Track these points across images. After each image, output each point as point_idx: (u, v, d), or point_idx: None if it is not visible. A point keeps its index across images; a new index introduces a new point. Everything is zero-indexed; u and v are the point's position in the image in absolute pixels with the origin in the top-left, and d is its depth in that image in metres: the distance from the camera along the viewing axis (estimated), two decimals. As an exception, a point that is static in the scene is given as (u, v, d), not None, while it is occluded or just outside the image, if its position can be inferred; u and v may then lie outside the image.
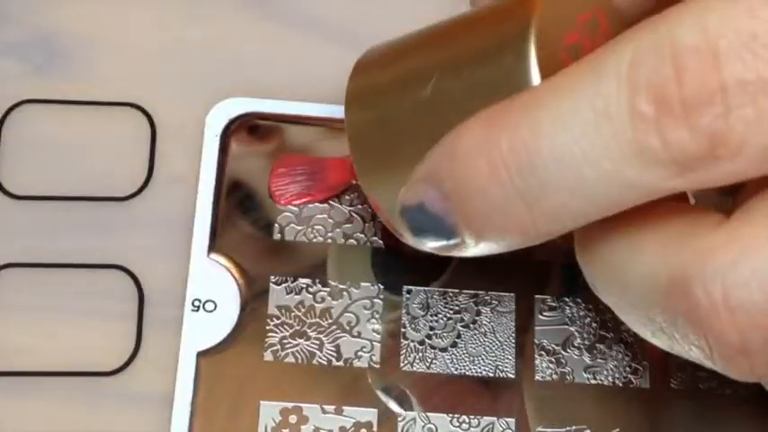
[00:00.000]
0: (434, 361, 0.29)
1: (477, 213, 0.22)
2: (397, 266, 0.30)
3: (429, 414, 0.28)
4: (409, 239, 0.24)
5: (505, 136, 0.21)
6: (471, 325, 0.29)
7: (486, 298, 0.30)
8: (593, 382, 0.29)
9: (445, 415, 0.29)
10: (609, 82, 0.20)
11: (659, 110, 0.20)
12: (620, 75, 0.20)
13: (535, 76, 0.22)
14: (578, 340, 0.29)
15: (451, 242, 0.23)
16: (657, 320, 0.22)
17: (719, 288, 0.20)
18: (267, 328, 0.29)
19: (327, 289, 0.30)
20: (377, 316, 0.29)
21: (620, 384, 0.29)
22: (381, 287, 0.30)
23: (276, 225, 0.30)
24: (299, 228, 0.30)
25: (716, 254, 0.20)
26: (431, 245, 0.24)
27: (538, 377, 0.29)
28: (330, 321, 0.29)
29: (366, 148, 0.26)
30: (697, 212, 0.22)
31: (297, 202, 0.30)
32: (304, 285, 0.30)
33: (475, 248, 0.23)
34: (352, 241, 0.30)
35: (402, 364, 0.29)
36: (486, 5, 0.25)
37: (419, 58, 0.25)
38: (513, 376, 0.29)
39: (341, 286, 0.30)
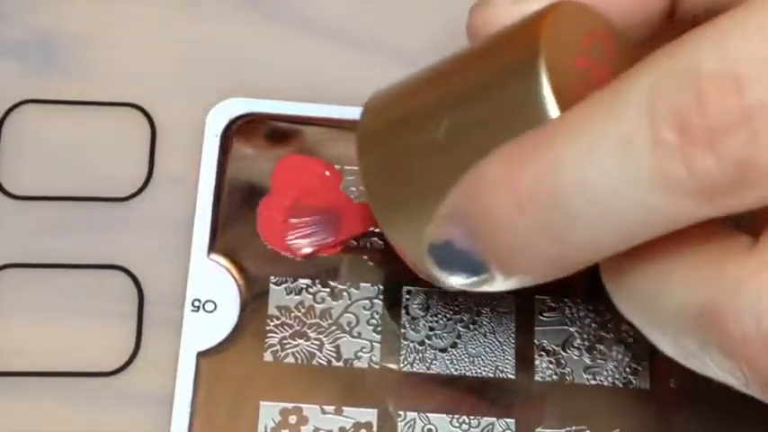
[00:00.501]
0: (434, 361, 0.29)
1: (504, 250, 0.21)
2: (397, 266, 0.30)
3: (429, 414, 0.28)
4: (438, 280, 0.24)
5: (527, 171, 0.21)
6: (471, 325, 0.29)
7: (486, 298, 0.30)
8: (593, 382, 0.29)
9: (445, 415, 0.29)
10: (630, 111, 0.20)
11: (683, 138, 0.19)
12: (641, 104, 0.20)
13: (551, 108, 0.22)
14: (578, 341, 0.29)
15: (481, 278, 0.22)
16: (689, 348, 0.21)
17: (752, 319, 0.20)
18: (267, 328, 0.29)
19: (327, 289, 0.30)
20: (377, 316, 0.29)
21: (620, 385, 0.29)
22: (381, 287, 0.30)
23: (276, 225, 0.30)
24: (299, 228, 0.30)
25: (747, 283, 0.20)
26: (460, 282, 0.23)
27: (538, 378, 0.29)
28: (330, 322, 0.29)
29: (384, 193, 0.25)
30: (725, 236, 0.21)
31: (310, 251, 0.30)
32: (304, 286, 0.30)
33: (505, 283, 0.22)
34: (352, 242, 0.30)
35: (402, 365, 0.29)
36: (492, 36, 0.24)
37: (429, 97, 0.25)
38: (513, 377, 0.29)
39: (341, 287, 0.30)
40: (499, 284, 0.23)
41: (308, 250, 0.30)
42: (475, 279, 0.23)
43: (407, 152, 0.25)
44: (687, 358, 0.22)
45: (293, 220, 0.30)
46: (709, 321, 0.20)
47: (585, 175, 0.20)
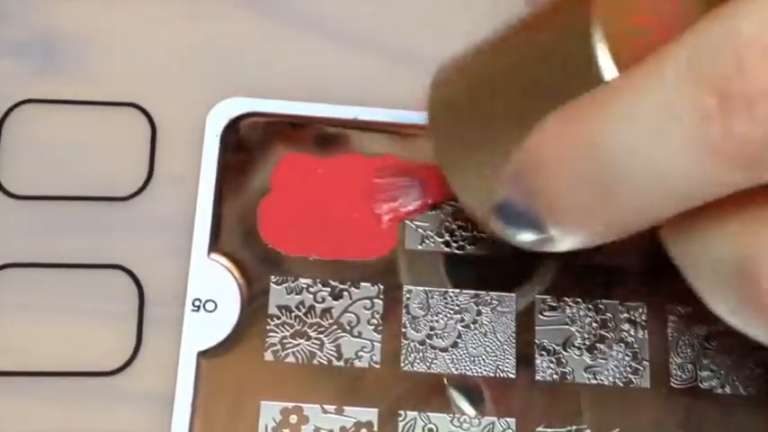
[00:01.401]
0: (435, 361, 0.29)
1: (558, 209, 0.22)
2: (398, 266, 0.30)
3: (429, 414, 0.28)
4: (509, 237, 0.24)
5: (578, 134, 0.21)
6: (472, 325, 0.29)
7: (487, 298, 0.30)
8: (593, 382, 0.29)
9: (445, 415, 0.29)
10: (671, 78, 0.20)
11: (722, 104, 0.19)
12: (683, 69, 0.20)
13: (606, 71, 0.22)
14: (578, 340, 0.29)
15: (541, 237, 0.23)
16: (730, 303, 0.22)
17: None
18: (268, 327, 0.29)
19: (328, 289, 0.30)
20: (377, 316, 0.29)
21: (621, 384, 0.29)
22: (382, 287, 0.30)
23: (276, 225, 0.30)
24: (300, 228, 0.30)
25: None
26: (523, 238, 0.24)
27: (538, 377, 0.29)
28: (331, 321, 0.29)
29: (453, 157, 0.26)
30: (765, 198, 0.21)
31: (393, 215, 0.30)
32: (304, 285, 0.30)
33: (564, 243, 0.23)
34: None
35: (402, 364, 0.29)
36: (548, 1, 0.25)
37: (493, 62, 0.25)
38: (513, 376, 0.29)
39: (341, 286, 0.30)
40: (560, 244, 0.23)
41: (389, 215, 0.30)
42: (536, 238, 0.24)
43: (477, 117, 0.25)
44: (729, 315, 0.22)
45: (378, 181, 0.30)
46: (746, 278, 0.21)
47: (632, 139, 0.20)
